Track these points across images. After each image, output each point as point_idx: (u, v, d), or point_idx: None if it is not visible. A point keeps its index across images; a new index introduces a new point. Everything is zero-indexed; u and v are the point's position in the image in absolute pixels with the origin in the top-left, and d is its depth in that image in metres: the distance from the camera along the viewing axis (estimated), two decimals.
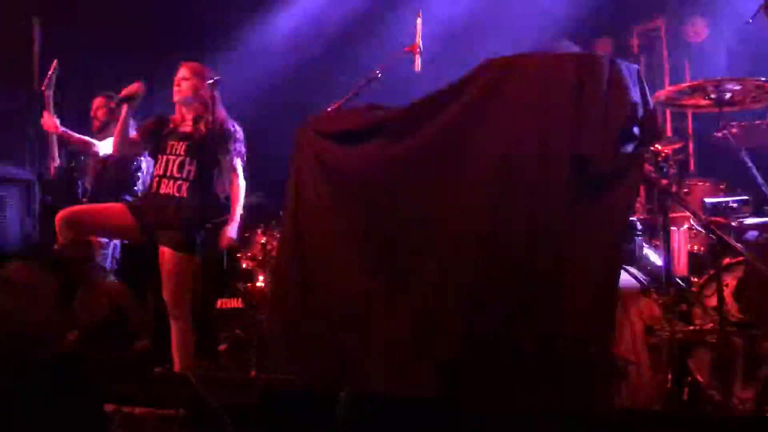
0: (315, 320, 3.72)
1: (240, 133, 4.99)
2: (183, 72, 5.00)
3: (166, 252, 4.81)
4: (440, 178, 3.49)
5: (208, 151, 4.91)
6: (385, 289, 3.53)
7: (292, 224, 3.90)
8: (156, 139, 5.02)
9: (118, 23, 7.91)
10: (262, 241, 6.29)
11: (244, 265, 6.33)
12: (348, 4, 8.36)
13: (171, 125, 5.03)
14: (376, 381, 3.48)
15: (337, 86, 5.48)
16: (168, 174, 4.88)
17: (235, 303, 6.14)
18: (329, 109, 4.38)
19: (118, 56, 7.57)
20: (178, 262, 4.81)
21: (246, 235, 6.25)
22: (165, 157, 4.92)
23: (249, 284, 6.23)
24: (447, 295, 3.37)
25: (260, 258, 6.26)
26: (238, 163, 4.96)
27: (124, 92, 4.92)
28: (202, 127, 4.92)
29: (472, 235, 3.35)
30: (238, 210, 4.95)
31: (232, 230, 4.90)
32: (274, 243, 6.07)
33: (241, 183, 4.96)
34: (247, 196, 5.07)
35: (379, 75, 4.80)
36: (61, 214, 4.87)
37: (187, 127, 4.97)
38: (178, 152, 4.90)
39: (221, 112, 5.00)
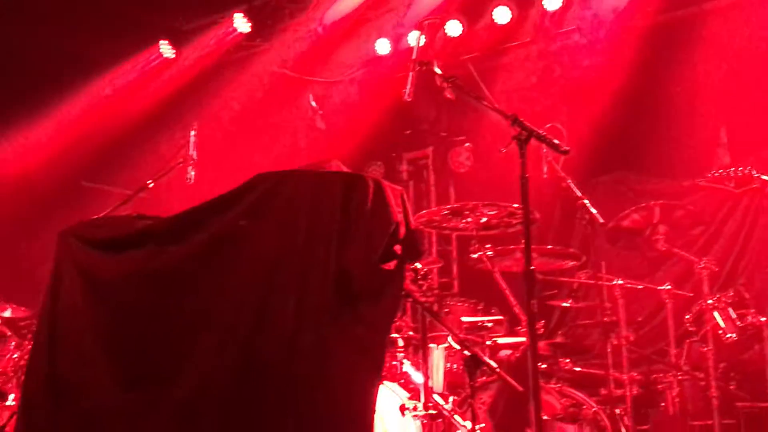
0: None
1: None
2: None
3: None
4: (205, 287, 3.44)
5: None
6: (140, 403, 3.39)
7: (46, 332, 3.69)
8: None
9: None
10: (15, 356, 5.89)
11: None
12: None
13: None
14: None
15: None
16: None
17: None
18: (96, 217, 4.27)
19: None
20: None
21: None
22: None
23: None
24: (202, 411, 3.28)
25: (11, 374, 5.84)
26: None
27: None
28: None
29: (233, 344, 3.30)
30: None
31: None
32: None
33: None
34: None
35: (151, 185, 4.76)
36: None
37: None
38: None
39: None
